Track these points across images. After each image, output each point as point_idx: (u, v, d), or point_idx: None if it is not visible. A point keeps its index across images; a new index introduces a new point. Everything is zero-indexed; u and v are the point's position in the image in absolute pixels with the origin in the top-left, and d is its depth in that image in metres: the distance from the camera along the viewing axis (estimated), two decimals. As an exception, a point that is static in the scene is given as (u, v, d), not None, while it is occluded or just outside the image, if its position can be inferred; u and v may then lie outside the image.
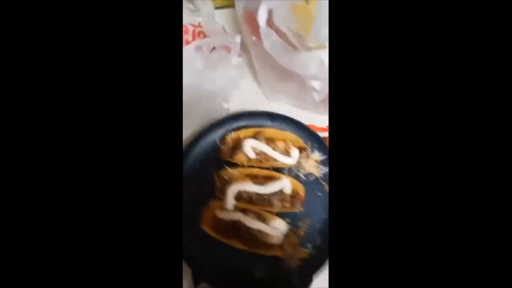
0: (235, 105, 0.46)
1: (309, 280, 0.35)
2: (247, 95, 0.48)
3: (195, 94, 0.40)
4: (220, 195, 0.37)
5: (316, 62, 0.34)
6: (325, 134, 0.44)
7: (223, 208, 0.36)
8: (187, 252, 0.35)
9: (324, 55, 0.33)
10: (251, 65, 0.48)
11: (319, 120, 0.46)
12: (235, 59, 0.42)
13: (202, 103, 0.43)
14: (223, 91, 0.42)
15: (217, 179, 0.39)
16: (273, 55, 0.37)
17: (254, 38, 0.40)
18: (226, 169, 0.38)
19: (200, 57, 0.40)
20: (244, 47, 0.43)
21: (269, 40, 0.37)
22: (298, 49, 0.37)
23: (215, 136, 0.43)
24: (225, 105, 0.44)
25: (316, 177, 0.41)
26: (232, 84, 0.42)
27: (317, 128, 0.44)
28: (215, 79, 0.41)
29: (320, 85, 0.38)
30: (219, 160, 0.41)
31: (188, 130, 0.44)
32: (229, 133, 0.41)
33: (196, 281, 0.33)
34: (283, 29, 0.37)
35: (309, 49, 0.35)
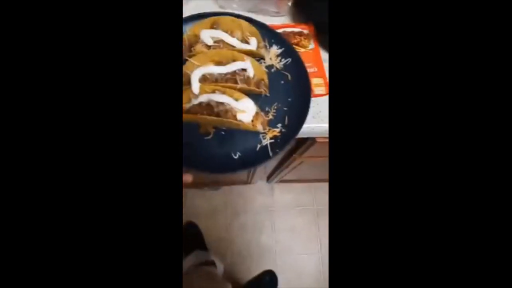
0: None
1: (279, 151, 0.38)
2: (199, 6, 0.47)
3: None
4: (184, 87, 0.38)
5: None
6: (283, 30, 0.45)
7: (191, 97, 0.36)
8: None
9: None
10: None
11: (273, 20, 0.47)
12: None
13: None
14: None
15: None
16: None
17: None
18: (187, 60, 0.37)
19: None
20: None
21: None
22: None
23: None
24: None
25: (277, 68, 0.43)
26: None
27: (274, 26, 0.46)
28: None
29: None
30: (179, 61, 0.40)
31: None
32: (185, 33, 0.40)
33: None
34: None
35: None
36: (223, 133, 0.38)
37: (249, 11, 0.48)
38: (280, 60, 0.43)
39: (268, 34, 0.44)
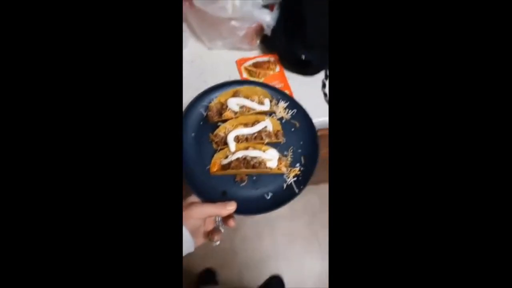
0: (186, 60, 0.62)
1: (303, 187, 0.47)
2: (193, 50, 0.64)
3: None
4: (221, 147, 0.46)
5: (230, 6, 0.50)
6: (255, 60, 0.64)
7: (227, 155, 0.45)
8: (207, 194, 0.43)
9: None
10: (191, 28, 0.63)
11: (249, 54, 0.65)
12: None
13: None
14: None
15: (214, 138, 0.48)
16: (202, 7, 0.52)
17: (187, 3, 0.55)
18: (220, 126, 0.47)
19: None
20: (184, 16, 0.59)
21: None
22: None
23: (199, 109, 0.52)
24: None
25: (286, 119, 0.53)
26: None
27: (249, 58, 0.64)
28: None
29: (238, 23, 0.55)
30: (209, 124, 0.49)
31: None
32: (212, 101, 0.50)
33: None
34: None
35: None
36: (254, 178, 0.47)
37: (230, 49, 0.64)
38: (288, 112, 0.54)
39: (275, 92, 0.55)
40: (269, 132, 0.47)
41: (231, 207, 0.41)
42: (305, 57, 0.60)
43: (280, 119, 0.53)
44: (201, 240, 0.42)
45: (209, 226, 0.42)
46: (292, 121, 0.54)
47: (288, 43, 0.60)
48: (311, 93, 0.62)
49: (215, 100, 0.50)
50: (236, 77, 0.63)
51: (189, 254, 0.39)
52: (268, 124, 0.47)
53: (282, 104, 0.54)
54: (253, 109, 0.49)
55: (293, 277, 1.10)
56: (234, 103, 0.47)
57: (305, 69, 0.63)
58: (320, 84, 0.64)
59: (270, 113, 0.52)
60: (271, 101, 0.52)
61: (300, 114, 0.54)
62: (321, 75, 0.65)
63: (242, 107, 0.48)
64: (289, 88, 0.62)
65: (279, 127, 0.50)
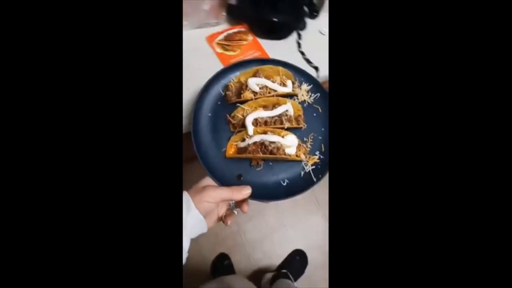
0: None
1: (322, 176, 0.44)
2: None
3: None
4: (238, 130, 0.44)
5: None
6: (226, 33, 0.62)
7: (244, 138, 0.43)
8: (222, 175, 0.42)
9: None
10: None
11: (217, 29, 0.63)
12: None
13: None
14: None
15: (231, 119, 0.46)
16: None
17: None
18: (238, 107, 0.44)
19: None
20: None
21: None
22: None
23: (218, 88, 0.49)
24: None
25: (309, 102, 0.50)
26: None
27: (219, 32, 0.62)
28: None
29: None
30: (227, 105, 0.47)
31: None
32: (231, 80, 0.48)
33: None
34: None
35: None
36: (270, 163, 0.45)
37: (196, 28, 0.61)
38: (311, 96, 0.50)
39: (299, 74, 0.51)
40: (290, 117, 0.45)
41: (246, 191, 0.40)
42: (277, 19, 0.58)
43: (302, 102, 0.50)
44: (213, 223, 0.41)
45: (222, 210, 0.42)
46: (315, 105, 0.50)
47: (256, 9, 0.58)
48: (289, 56, 0.59)
49: (234, 79, 0.47)
50: (210, 54, 0.59)
51: (199, 243, 0.39)
52: (289, 107, 0.44)
53: (305, 87, 0.51)
54: (274, 91, 0.45)
55: (302, 239, 1.17)
56: (254, 83, 0.44)
57: (278, 32, 0.61)
58: (296, 46, 0.62)
59: (291, 96, 0.49)
60: (293, 83, 0.49)
61: (324, 98, 0.50)
62: (294, 36, 0.63)
63: (262, 87, 0.45)
64: (266, 55, 0.60)
65: (300, 112, 0.47)
